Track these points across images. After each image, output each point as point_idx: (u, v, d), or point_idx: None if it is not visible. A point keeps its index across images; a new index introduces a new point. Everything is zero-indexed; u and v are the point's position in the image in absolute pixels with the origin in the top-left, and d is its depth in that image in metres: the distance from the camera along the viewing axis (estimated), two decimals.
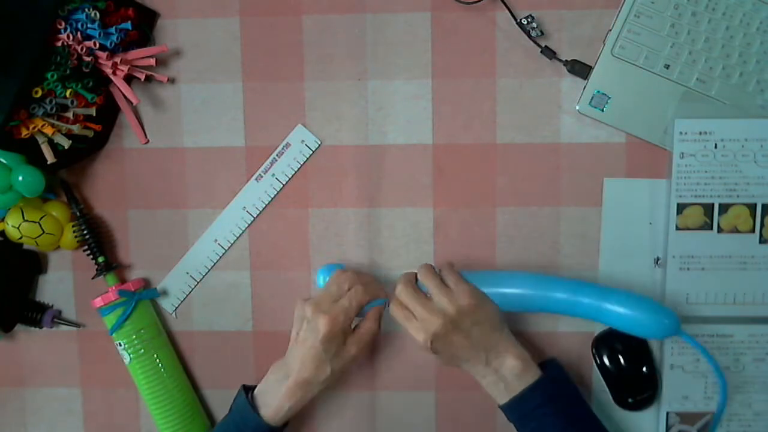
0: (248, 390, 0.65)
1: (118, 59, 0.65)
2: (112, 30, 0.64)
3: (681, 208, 0.65)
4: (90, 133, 0.67)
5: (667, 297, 0.66)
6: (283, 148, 0.69)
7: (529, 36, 0.65)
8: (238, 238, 0.70)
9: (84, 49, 0.62)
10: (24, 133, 0.61)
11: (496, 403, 0.61)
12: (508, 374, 0.59)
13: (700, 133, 0.64)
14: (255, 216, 0.70)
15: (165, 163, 0.71)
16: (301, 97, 0.69)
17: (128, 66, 0.66)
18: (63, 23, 0.61)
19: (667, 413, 0.67)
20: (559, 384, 0.61)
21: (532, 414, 0.58)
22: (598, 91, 0.65)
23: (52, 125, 0.62)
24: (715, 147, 0.64)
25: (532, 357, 0.60)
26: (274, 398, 0.62)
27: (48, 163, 0.63)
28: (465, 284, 0.61)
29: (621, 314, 0.61)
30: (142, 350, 0.69)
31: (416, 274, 0.63)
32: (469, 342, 0.59)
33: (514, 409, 0.59)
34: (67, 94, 0.62)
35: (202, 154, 0.70)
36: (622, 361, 0.66)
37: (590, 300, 0.62)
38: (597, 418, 0.60)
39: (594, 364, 0.67)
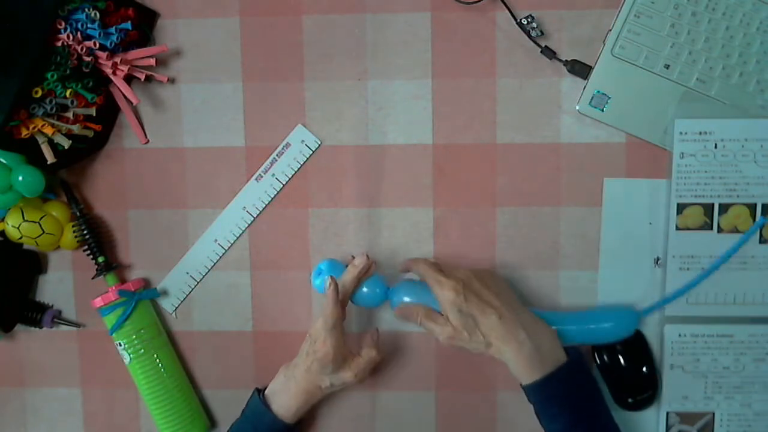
0: (260, 392, 0.67)
1: (118, 59, 0.65)
2: (112, 30, 0.64)
3: (681, 208, 0.65)
4: (90, 133, 0.67)
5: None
6: (283, 148, 0.69)
7: (529, 36, 0.65)
8: (238, 238, 0.70)
9: (84, 49, 0.62)
10: (24, 133, 0.61)
11: (521, 382, 0.59)
12: (545, 345, 0.59)
13: (700, 133, 0.64)
14: (255, 216, 0.70)
15: (165, 163, 0.71)
16: (301, 97, 0.69)
17: (128, 66, 0.66)
18: (63, 23, 0.61)
19: (667, 413, 0.67)
20: (584, 370, 0.61)
21: (556, 398, 0.58)
22: (598, 91, 0.65)
23: (52, 125, 0.62)
24: (715, 147, 0.64)
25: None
26: (284, 398, 0.65)
27: (48, 163, 0.63)
28: None
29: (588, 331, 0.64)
30: (142, 350, 0.69)
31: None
32: (495, 293, 0.60)
33: (541, 389, 0.58)
34: (67, 94, 0.62)
35: (202, 154, 0.70)
36: (622, 361, 0.66)
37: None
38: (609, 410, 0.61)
39: (594, 364, 0.67)
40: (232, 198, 0.70)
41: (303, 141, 0.69)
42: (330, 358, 0.62)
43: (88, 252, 0.70)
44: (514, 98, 0.67)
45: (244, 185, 0.70)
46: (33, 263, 0.72)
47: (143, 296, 0.70)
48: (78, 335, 0.73)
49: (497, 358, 0.60)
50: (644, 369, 0.66)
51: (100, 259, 0.70)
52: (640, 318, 0.65)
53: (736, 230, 0.65)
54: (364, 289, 0.65)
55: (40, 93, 0.60)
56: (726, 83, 0.64)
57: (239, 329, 0.71)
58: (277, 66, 0.69)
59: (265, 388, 0.67)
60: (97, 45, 0.63)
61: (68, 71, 0.61)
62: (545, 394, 0.59)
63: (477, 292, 0.60)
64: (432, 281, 0.61)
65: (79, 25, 0.62)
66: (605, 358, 0.66)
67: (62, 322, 0.73)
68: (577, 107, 0.66)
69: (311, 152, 0.69)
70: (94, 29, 0.63)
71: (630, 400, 0.67)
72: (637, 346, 0.66)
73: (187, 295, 0.72)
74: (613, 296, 0.67)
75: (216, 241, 0.71)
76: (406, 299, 0.64)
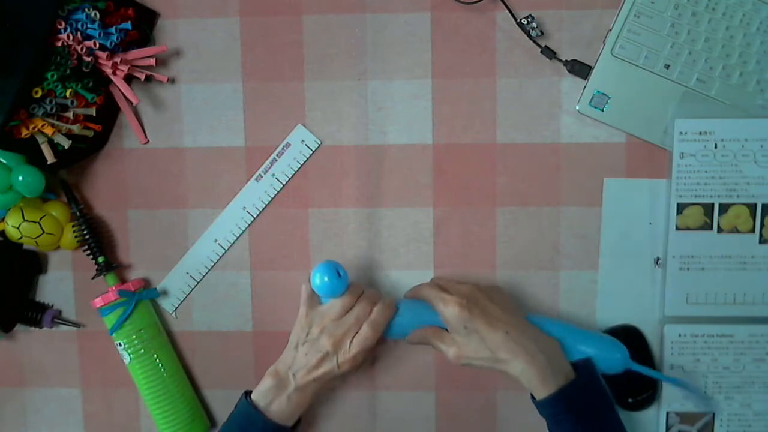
0: (247, 394, 0.64)
1: (118, 59, 0.65)
2: (112, 30, 0.64)
3: (681, 208, 0.65)
4: (90, 133, 0.67)
5: (667, 297, 0.66)
6: (283, 148, 0.69)
7: (529, 36, 0.65)
8: (238, 238, 0.70)
9: (84, 49, 0.62)
10: (24, 133, 0.61)
11: (534, 396, 0.59)
12: (555, 358, 0.58)
13: (700, 133, 0.64)
14: (255, 216, 0.70)
15: (165, 163, 0.71)
16: (301, 97, 0.69)
17: (128, 66, 0.66)
18: (63, 23, 0.61)
19: (667, 413, 0.67)
20: (596, 380, 0.60)
21: (572, 411, 0.57)
22: (598, 91, 0.65)
23: (52, 125, 0.62)
24: (715, 147, 0.64)
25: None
26: (282, 405, 0.62)
27: (48, 163, 0.63)
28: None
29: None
30: (142, 350, 0.69)
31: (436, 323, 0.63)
32: (500, 308, 0.60)
33: (556, 402, 0.57)
34: (67, 94, 0.62)
35: (202, 154, 0.70)
36: None
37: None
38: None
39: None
40: (232, 198, 0.70)
41: (303, 141, 0.69)
42: (355, 366, 0.63)
43: (88, 252, 0.70)
44: (514, 98, 0.67)
45: (244, 185, 0.70)
46: (33, 263, 0.72)
47: (143, 296, 0.70)
48: (78, 335, 0.73)
49: (509, 373, 0.59)
50: None
51: (100, 259, 0.70)
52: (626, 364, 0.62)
53: (736, 230, 0.65)
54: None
55: (40, 93, 0.60)
56: (726, 83, 0.64)
57: (239, 329, 0.71)
58: (277, 66, 0.69)
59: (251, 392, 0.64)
60: (97, 45, 0.63)
61: (68, 71, 0.61)
62: (560, 407, 0.57)
63: (482, 307, 0.60)
64: (436, 300, 0.61)
65: (79, 25, 0.62)
66: None
67: (62, 322, 0.73)
68: (577, 107, 0.66)
69: (311, 152, 0.69)
70: (94, 29, 0.63)
71: (630, 400, 0.67)
72: (637, 346, 0.66)
73: (187, 295, 0.72)
74: (613, 296, 0.67)
75: (216, 241, 0.71)
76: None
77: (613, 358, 0.61)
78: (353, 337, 0.62)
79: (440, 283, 0.65)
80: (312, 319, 0.63)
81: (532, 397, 0.60)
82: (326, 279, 0.62)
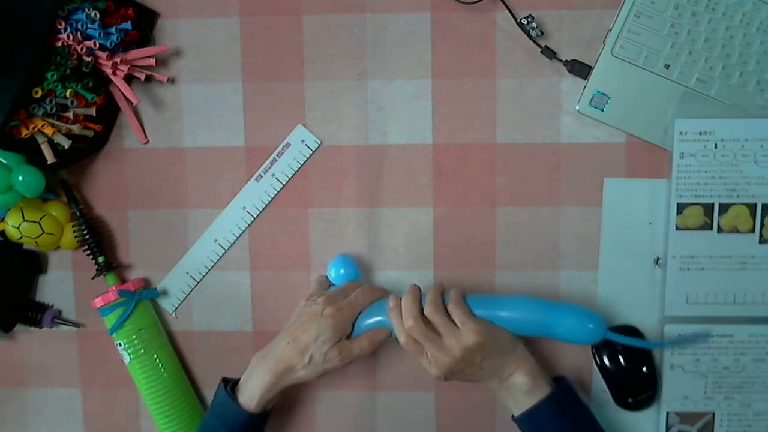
0: (228, 382, 0.65)
1: (118, 59, 0.65)
2: (112, 30, 0.64)
3: (681, 208, 0.65)
4: (90, 133, 0.67)
5: (667, 297, 0.66)
6: (283, 148, 0.69)
7: (529, 36, 0.65)
8: (238, 238, 0.70)
9: (84, 49, 0.62)
10: (24, 133, 0.61)
11: (510, 413, 0.62)
12: (517, 391, 0.60)
13: (700, 133, 0.64)
14: (255, 216, 0.70)
15: (165, 163, 0.71)
16: (301, 97, 0.69)
17: (128, 66, 0.66)
18: (63, 23, 0.61)
19: (667, 413, 0.67)
20: (568, 400, 0.62)
21: (543, 428, 0.60)
22: (598, 91, 0.65)
23: (52, 125, 0.62)
24: (715, 147, 0.64)
25: (542, 372, 0.61)
26: (249, 386, 0.63)
27: (48, 163, 0.63)
28: (472, 323, 0.60)
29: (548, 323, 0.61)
30: (142, 350, 0.69)
31: (422, 304, 0.62)
32: (481, 373, 0.61)
33: (526, 421, 0.61)
34: (67, 94, 0.62)
35: (202, 154, 0.70)
36: (622, 361, 0.66)
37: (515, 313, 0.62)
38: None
39: (594, 364, 0.67)
40: (232, 198, 0.70)
41: (303, 141, 0.69)
42: (340, 318, 0.62)
43: (88, 252, 0.70)
44: (514, 98, 0.67)
45: (244, 185, 0.70)
46: (33, 263, 0.72)
47: (143, 296, 0.70)
48: (78, 335, 0.73)
49: None
50: (644, 369, 0.66)
51: (100, 259, 0.70)
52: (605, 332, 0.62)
53: (736, 230, 0.65)
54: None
55: (40, 93, 0.60)
56: (726, 83, 0.64)
57: (239, 329, 0.71)
58: (277, 66, 0.69)
59: (238, 379, 0.65)
60: (97, 45, 0.63)
61: (68, 71, 0.61)
62: (533, 425, 0.60)
63: (461, 373, 0.61)
64: (416, 355, 0.61)
65: (79, 25, 0.62)
66: (605, 358, 0.66)
67: (62, 322, 0.73)
68: (577, 107, 0.66)
69: (311, 152, 0.69)
70: (94, 29, 0.63)
71: (630, 400, 0.67)
72: (637, 346, 0.66)
73: (187, 295, 0.72)
74: (613, 296, 0.67)
75: (216, 241, 0.71)
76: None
77: (586, 329, 0.61)
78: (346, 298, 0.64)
79: (421, 334, 0.60)
80: (315, 292, 0.67)
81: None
82: (342, 272, 0.67)
